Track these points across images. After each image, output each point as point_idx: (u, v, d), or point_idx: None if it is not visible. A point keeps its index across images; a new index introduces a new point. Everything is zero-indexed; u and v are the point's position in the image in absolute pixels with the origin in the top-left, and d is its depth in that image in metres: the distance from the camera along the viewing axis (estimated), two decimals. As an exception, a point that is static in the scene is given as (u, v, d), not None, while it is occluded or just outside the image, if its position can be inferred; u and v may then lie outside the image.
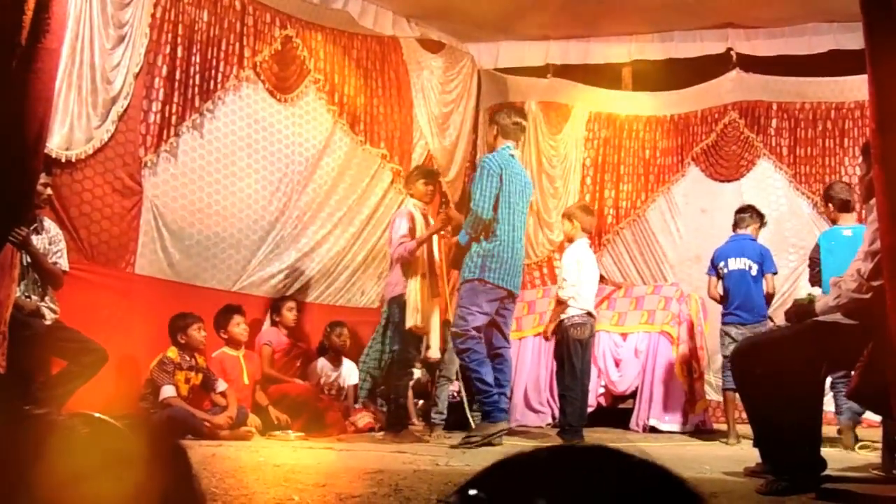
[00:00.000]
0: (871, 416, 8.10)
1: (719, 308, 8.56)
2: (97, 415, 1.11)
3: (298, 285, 10.04)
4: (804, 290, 9.74)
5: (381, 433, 8.35)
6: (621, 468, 0.92)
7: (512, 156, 7.76)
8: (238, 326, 8.54)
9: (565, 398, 8.07)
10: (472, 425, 8.08)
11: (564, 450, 0.94)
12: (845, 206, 7.70)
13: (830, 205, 7.88)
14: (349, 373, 9.53)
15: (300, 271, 10.10)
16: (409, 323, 7.90)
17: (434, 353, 8.32)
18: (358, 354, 9.94)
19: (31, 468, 1.00)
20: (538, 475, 0.91)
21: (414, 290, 7.93)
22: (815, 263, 7.87)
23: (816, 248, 7.89)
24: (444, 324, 8.64)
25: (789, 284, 11.21)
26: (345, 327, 9.56)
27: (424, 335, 8.24)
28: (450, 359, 9.17)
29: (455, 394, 9.29)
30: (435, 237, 8.23)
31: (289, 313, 9.28)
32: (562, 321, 8.14)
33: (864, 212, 5.91)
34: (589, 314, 8.16)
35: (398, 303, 8.03)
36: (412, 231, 8.06)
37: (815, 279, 7.86)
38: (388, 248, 8.54)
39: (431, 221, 8.36)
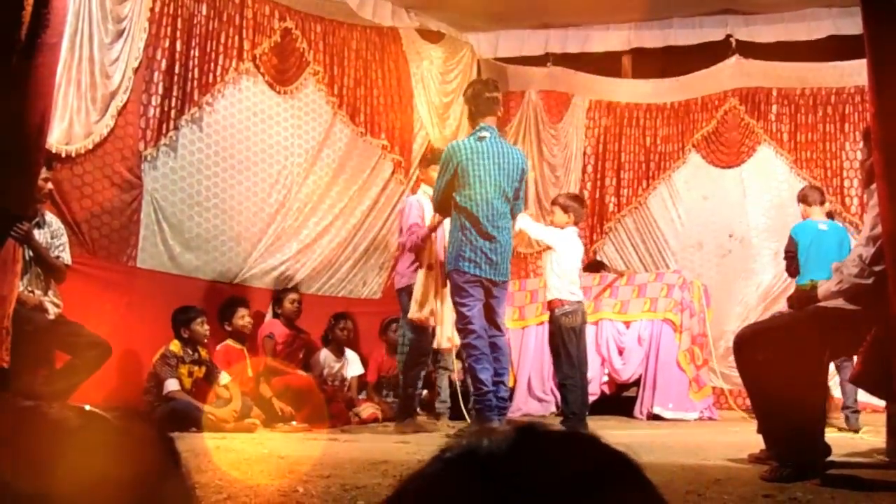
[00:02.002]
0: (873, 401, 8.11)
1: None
2: (87, 407, 1.11)
3: (300, 277, 10.04)
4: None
5: (388, 423, 8.34)
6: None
7: (482, 137, 7.37)
8: (242, 319, 8.56)
9: (565, 387, 8.06)
10: (468, 419, 8.07)
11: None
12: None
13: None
14: (352, 364, 9.54)
15: (302, 263, 10.10)
16: (410, 314, 7.86)
17: (443, 343, 8.20)
18: (361, 346, 9.97)
19: (18, 462, 1.00)
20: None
21: (418, 281, 7.88)
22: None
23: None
24: None
25: (791, 270, 11.21)
26: (349, 320, 9.57)
27: (431, 327, 8.12)
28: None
29: (460, 383, 9.28)
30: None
31: (291, 305, 9.27)
32: (552, 311, 8.14)
33: (864, 196, 5.92)
34: (579, 302, 8.17)
35: (408, 292, 7.97)
36: (422, 219, 8.00)
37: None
38: (396, 237, 8.44)
39: None
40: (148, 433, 1.10)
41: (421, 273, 7.87)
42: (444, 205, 7.45)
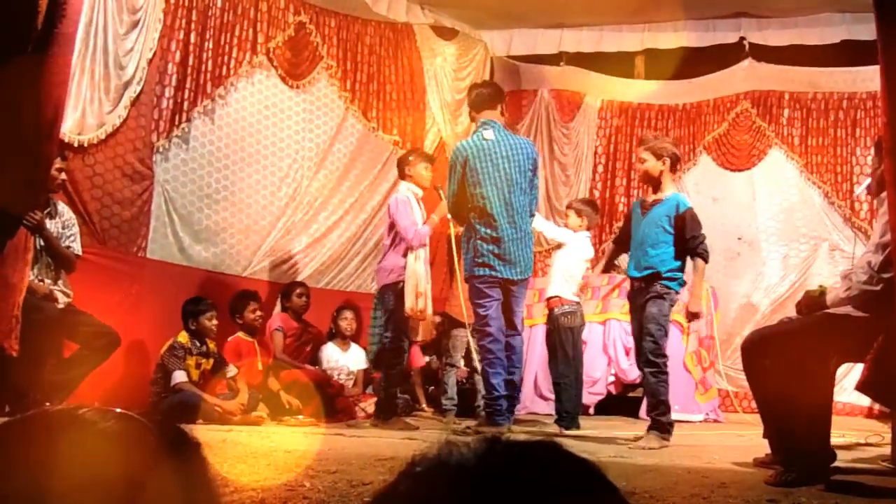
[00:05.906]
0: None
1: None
2: (118, 410, 1.11)
3: (309, 271, 10.06)
4: (815, 280, 9.74)
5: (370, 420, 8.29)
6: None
7: (487, 133, 7.35)
8: (253, 313, 8.57)
9: (559, 386, 8.09)
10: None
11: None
12: None
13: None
14: (356, 358, 9.53)
15: (311, 257, 10.12)
16: (408, 305, 7.73)
17: (419, 336, 8.20)
18: (365, 339, 10.00)
19: (53, 467, 1.00)
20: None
21: (415, 273, 7.80)
22: None
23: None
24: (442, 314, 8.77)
25: (798, 274, 11.20)
26: (351, 312, 9.54)
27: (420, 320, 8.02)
28: (453, 346, 9.15)
29: (465, 380, 9.31)
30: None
31: (298, 299, 9.28)
32: (552, 310, 8.18)
33: (874, 203, 5.92)
34: (577, 303, 8.23)
35: (394, 290, 7.87)
36: (417, 216, 8.00)
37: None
38: (385, 235, 8.35)
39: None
40: (190, 440, 1.11)
41: (415, 265, 7.83)
42: (458, 208, 7.44)
